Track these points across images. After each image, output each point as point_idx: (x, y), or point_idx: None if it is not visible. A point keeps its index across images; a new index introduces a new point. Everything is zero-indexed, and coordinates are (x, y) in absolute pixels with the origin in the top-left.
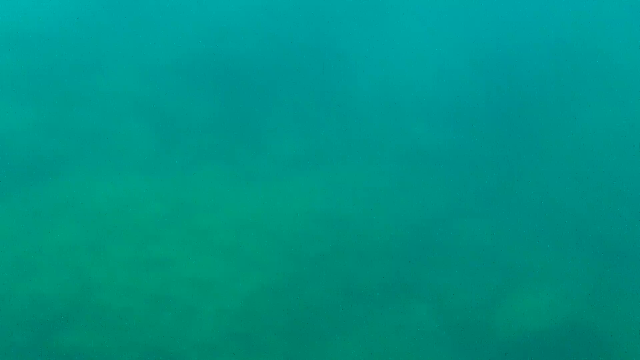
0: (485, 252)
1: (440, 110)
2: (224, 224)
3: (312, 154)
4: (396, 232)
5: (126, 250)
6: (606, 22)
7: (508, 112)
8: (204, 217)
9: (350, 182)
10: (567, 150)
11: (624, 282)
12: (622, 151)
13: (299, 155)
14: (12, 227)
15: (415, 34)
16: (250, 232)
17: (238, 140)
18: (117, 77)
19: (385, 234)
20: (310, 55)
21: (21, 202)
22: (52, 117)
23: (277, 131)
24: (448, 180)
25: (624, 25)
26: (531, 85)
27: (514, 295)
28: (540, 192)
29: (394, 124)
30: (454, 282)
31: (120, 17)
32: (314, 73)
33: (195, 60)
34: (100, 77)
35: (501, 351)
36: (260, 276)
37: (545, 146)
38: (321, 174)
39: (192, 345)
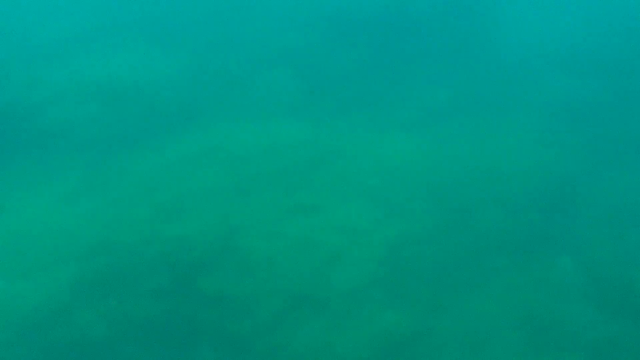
0: (632, 206)
1: (584, 62)
2: (370, 171)
3: (459, 105)
4: (542, 185)
5: (271, 195)
6: None
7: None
8: (350, 164)
9: (496, 133)
10: None
11: None
12: None
13: (446, 105)
14: (159, 172)
15: None
16: (397, 180)
17: (385, 89)
18: (264, 26)
19: (531, 185)
20: (456, 6)
21: (168, 148)
22: (198, 64)
23: (424, 81)
24: (594, 132)
25: None
26: None
27: None
28: None
29: (539, 76)
30: (599, 236)
31: None
32: (460, 24)
33: (342, 12)
34: (248, 25)
35: None
36: (405, 224)
37: None
38: (467, 124)
39: (336, 292)
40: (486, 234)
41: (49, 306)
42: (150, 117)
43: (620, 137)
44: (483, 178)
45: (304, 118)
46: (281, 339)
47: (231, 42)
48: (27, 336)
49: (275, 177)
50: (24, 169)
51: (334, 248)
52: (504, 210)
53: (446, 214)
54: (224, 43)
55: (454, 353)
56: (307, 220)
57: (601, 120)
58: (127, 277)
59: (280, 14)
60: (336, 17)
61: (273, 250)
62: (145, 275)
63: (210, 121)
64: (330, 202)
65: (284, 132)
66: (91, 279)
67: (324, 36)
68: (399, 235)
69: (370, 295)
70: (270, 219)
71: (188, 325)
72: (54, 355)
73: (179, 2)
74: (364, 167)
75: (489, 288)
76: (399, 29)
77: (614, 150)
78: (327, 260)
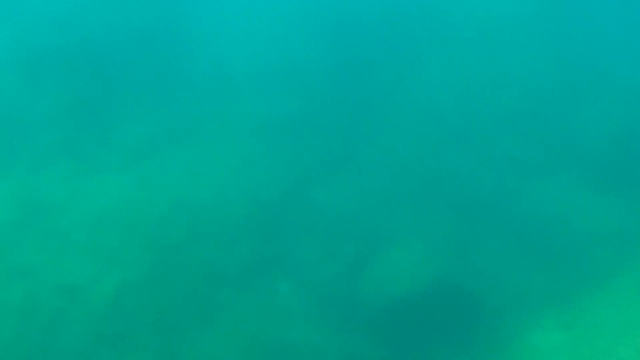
0: (342, 220)
1: (279, 81)
2: (79, 222)
3: (158, 140)
4: (250, 210)
5: None
6: None
7: (347, 76)
8: (59, 218)
9: (199, 165)
10: (410, 110)
11: (482, 235)
12: (463, 106)
13: (145, 143)
14: None
15: (246, 6)
16: (107, 227)
17: (83, 134)
18: None
19: (240, 213)
20: (143, 42)
21: None
22: None
23: (120, 121)
24: (296, 151)
25: None
26: (369, 49)
27: (376, 260)
28: (389, 154)
29: (234, 100)
30: (314, 254)
31: None
32: (149, 59)
33: (31, 54)
34: None
35: (370, 318)
36: (122, 272)
37: (388, 107)
38: (170, 159)
39: (62, 354)
40: (203, 269)
41: None
42: None
43: (321, 152)
44: (192, 212)
45: (3, 175)
46: None
47: None
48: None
49: None
50: None
51: (54, 310)
52: (217, 243)
53: (161, 255)
54: None
55: None
56: (23, 283)
57: (301, 137)
58: None
59: None
60: (27, 59)
61: None
62: None
63: None
64: (45, 261)
65: None
66: None
67: (14, 83)
68: (118, 285)
69: (96, 352)
70: None
71: None
72: None
73: None
74: (73, 219)
75: (215, 325)
76: (92, 70)
77: (316, 166)
78: (49, 324)
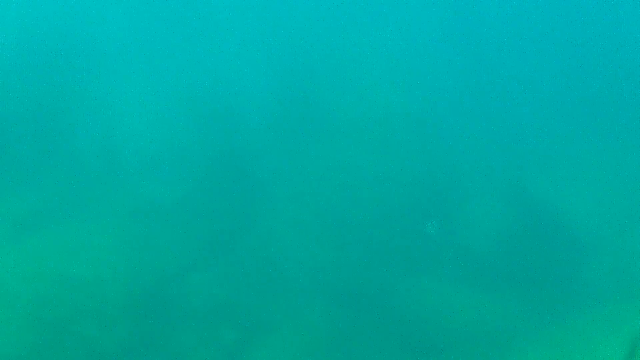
0: (221, 306)
1: (162, 164)
2: None
3: (39, 215)
4: (130, 291)
5: None
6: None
7: (229, 160)
8: None
9: (82, 242)
10: (291, 200)
11: (362, 327)
12: (343, 198)
13: (26, 216)
14: None
15: (134, 87)
16: None
17: None
18: None
19: (120, 292)
20: (32, 114)
21: None
22: None
23: (3, 192)
24: (177, 235)
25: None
26: (254, 136)
27: (255, 348)
28: (270, 242)
29: (118, 180)
30: (193, 339)
31: None
32: (36, 132)
33: None
34: None
35: None
36: (1, 346)
37: (269, 195)
38: (53, 234)
39: None
40: (83, 350)
41: None
42: None
43: (201, 236)
44: (73, 290)
45: None
46: None
47: None
48: None
49: None
50: None
51: None
52: (99, 322)
53: (40, 333)
54: None
55: None
56: None
57: (181, 221)
58: None
59: None
60: None
61: None
62: None
63: None
64: None
65: None
66: None
67: None
68: None
69: None
70: None
71: None
72: None
73: None
74: None
75: None
76: None
77: (196, 251)
78: None
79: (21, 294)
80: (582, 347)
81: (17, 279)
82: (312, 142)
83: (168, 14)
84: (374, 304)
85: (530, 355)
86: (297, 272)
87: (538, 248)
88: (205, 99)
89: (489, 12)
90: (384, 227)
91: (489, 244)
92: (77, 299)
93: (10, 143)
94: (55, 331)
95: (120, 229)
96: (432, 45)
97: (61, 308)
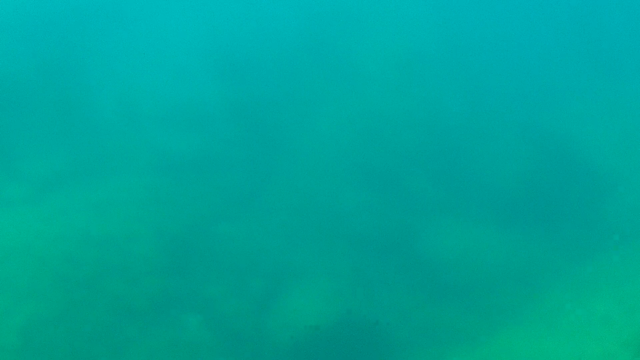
0: (248, 255)
1: (183, 117)
2: None
3: (62, 174)
4: (157, 245)
5: None
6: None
7: (252, 114)
8: None
9: (106, 199)
10: (315, 147)
11: (388, 271)
12: (366, 144)
13: (52, 176)
14: None
15: (151, 44)
16: (16, 260)
17: None
18: None
19: (147, 247)
20: (50, 75)
21: None
22: None
23: (26, 154)
24: (201, 187)
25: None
26: (273, 87)
27: (283, 295)
28: (294, 190)
29: (140, 136)
30: (222, 290)
31: None
32: (55, 93)
33: None
34: None
35: (278, 352)
36: (32, 307)
37: (293, 145)
38: (77, 193)
39: None
40: (112, 304)
41: None
42: None
43: (226, 189)
44: (101, 247)
45: None
46: None
47: None
48: None
49: None
50: None
51: None
52: (126, 278)
53: (70, 290)
54: None
55: None
56: None
57: (206, 174)
58: None
59: None
60: None
61: None
62: None
63: None
64: None
65: None
66: None
67: None
68: (28, 319)
69: None
70: None
71: None
72: None
73: None
74: None
75: (126, 358)
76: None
77: (222, 203)
78: None
79: (49, 254)
80: (607, 285)
81: (44, 240)
82: (332, 88)
83: None
84: (399, 247)
85: (556, 294)
86: (321, 219)
87: (561, 186)
88: (223, 50)
89: None
90: (407, 170)
91: (512, 184)
92: (104, 256)
93: (31, 104)
94: (85, 289)
95: (144, 184)
96: None
97: (89, 266)
